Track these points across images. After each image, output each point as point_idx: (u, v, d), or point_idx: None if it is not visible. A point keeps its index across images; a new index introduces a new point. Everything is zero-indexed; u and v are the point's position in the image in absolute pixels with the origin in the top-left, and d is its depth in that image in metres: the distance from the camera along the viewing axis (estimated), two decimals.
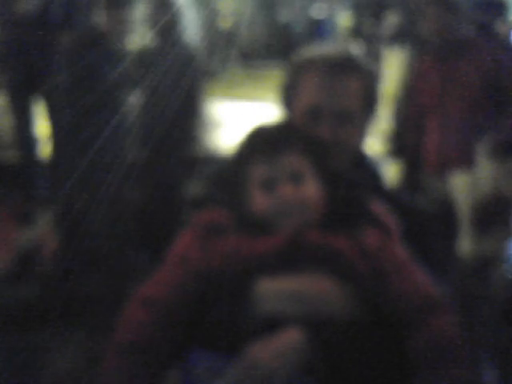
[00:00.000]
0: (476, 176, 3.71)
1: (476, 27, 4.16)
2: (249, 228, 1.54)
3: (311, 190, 1.58)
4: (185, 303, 1.50)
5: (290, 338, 1.42)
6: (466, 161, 3.91)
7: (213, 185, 1.74)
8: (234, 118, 4.75)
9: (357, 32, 8.78)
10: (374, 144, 3.68)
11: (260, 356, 1.40)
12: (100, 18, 4.29)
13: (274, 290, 1.47)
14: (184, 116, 4.13)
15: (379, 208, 1.63)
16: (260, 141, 1.61)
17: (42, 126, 5.13)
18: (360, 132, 1.76)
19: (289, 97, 1.79)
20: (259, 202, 1.57)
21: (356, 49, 1.80)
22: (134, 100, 3.87)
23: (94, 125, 2.32)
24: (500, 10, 4.36)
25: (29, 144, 4.98)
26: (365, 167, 1.80)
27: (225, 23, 14.83)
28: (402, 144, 4.16)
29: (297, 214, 1.55)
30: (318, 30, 10.84)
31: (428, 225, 1.77)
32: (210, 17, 14.64)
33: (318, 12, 11.18)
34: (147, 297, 1.52)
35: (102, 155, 2.33)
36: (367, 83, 1.75)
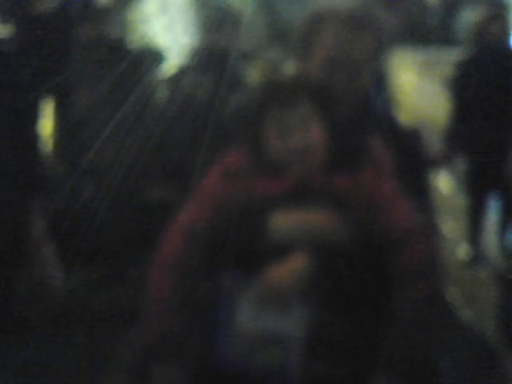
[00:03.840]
0: None
1: None
2: (265, 170, 1.78)
3: (318, 136, 1.78)
4: (212, 232, 1.77)
5: (298, 261, 1.72)
6: None
7: (235, 125, 1.97)
8: None
9: None
10: None
11: (274, 276, 1.70)
12: None
13: (284, 223, 1.73)
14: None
15: (377, 144, 1.83)
16: (275, 90, 1.80)
17: (45, 125, 5.12)
18: (369, 79, 1.93)
19: (305, 48, 1.91)
20: (273, 146, 1.77)
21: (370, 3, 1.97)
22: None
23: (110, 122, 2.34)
24: None
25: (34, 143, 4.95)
26: (373, 106, 1.99)
27: None
28: None
29: (304, 159, 1.77)
30: None
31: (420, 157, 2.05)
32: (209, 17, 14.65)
33: None
34: (182, 225, 1.81)
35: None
36: (378, 36, 1.90)
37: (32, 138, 4.64)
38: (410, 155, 1.93)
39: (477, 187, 4.42)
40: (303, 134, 1.75)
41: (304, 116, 1.76)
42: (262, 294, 1.70)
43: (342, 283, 1.70)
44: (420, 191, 1.91)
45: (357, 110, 1.90)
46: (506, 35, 4.30)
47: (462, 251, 4.92)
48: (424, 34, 13.04)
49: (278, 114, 1.76)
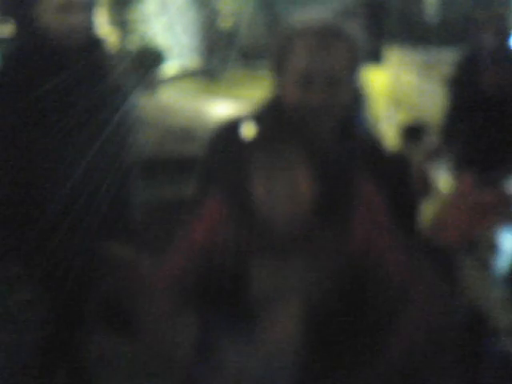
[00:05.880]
0: None
1: None
2: (246, 218, 1.69)
3: (305, 185, 1.68)
4: (196, 281, 1.71)
5: (288, 312, 1.66)
6: None
7: (210, 176, 1.84)
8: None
9: None
10: None
11: (261, 328, 1.64)
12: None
13: (268, 275, 1.68)
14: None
15: (367, 185, 1.74)
16: (258, 136, 1.72)
17: None
18: (348, 95, 1.81)
19: (279, 65, 1.82)
20: (258, 195, 1.67)
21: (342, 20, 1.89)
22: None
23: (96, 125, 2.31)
24: None
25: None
26: (354, 128, 1.88)
27: (225, 23, 14.87)
28: None
29: (290, 209, 1.67)
30: None
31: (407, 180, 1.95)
32: (209, 17, 14.69)
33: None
34: (166, 275, 1.73)
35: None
36: (353, 48, 1.80)
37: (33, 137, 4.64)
38: (398, 188, 1.87)
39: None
40: (289, 184, 1.68)
41: (289, 164, 1.69)
42: (249, 342, 1.67)
43: (328, 335, 1.66)
44: (410, 230, 1.85)
45: (337, 133, 1.82)
46: (504, 35, 4.30)
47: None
48: (424, 34, 13.08)
49: (263, 162, 1.69)
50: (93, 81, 2.32)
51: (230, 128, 1.88)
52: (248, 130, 1.82)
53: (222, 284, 1.67)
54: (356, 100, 1.96)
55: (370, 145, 1.91)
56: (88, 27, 2.34)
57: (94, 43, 2.38)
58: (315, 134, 1.77)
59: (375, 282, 1.67)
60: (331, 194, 1.70)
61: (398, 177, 1.88)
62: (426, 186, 3.41)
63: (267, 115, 1.82)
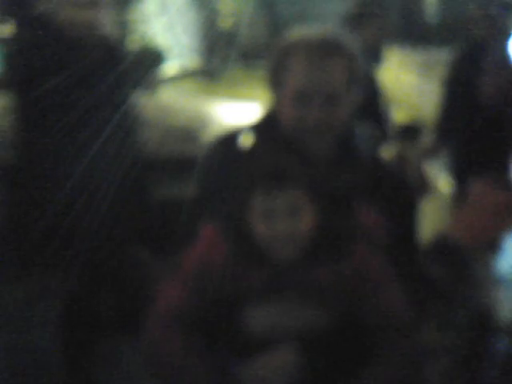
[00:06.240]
0: None
1: None
2: (246, 255, 1.64)
3: (306, 222, 1.64)
4: (193, 316, 1.67)
5: (281, 355, 1.62)
6: None
7: (205, 199, 1.79)
8: (234, 118, 4.76)
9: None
10: None
11: (259, 369, 1.62)
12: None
13: (265, 313, 1.63)
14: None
15: (368, 217, 1.69)
16: (260, 173, 1.65)
17: None
18: (347, 112, 1.76)
19: (275, 81, 1.77)
20: (257, 230, 1.63)
21: (340, 31, 1.83)
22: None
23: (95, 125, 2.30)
24: None
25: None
26: (353, 148, 1.81)
27: (225, 23, 14.86)
28: None
29: (290, 246, 1.63)
30: None
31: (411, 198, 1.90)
32: (209, 17, 14.68)
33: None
34: (162, 310, 1.68)
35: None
36: (351, 64, 1.74)
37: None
38: (402, 216, 1.81)
39: (463, 178, 4.41)
40: (290, 221, 1.63)
41: (292, 202, 1.63)
42: (245, 377, 1.63)
43: (326, 374, 1.63)
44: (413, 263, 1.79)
45: (337, 152, 1.76)
46: (498, 35, 4.28)
47: None
48: (424, 34, 13.07)
49: (265, 198, 1.63)
50: (101, 77, 2.32)
51: (227, 141, 1.84)
52: (245, 142, 1.78)
53: (216, 318, 1.63)
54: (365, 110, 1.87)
55: (372, 163, 1.83)
56: (101, 24, 2.35)
57: (105, 40, 2.39)
58: (312, 153, 1.72)
59: (372, 319, 1.64)
60: (332, 226, 1.66)
61: (400, 202, 1.81)
62: (424, 185, 3.40)
63: (264, 131, 1.78)
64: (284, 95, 1.73)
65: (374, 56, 3.40)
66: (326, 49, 1.72)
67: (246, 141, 1.79)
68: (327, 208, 1.66)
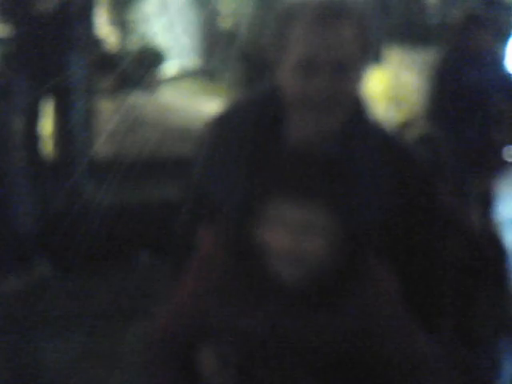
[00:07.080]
0: None
1: None
2: (245, 270, 1.50)
3: (319, 243, 1.49)
4: (183, 338, 1.59)
5: (284, 374, 1.49)
6: None
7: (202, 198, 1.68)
8: None
9: None
10: None
11: None
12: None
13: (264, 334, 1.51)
14: None
15: (378, 265, 1.56)
16: (275, 179, 1.49)
17: (46, 125, 5.11)
18: (356, 81, 1.57)
19: (277, 51, 1.57)
20: (262, 241, 1.48)
21: None
22: None
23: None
24: None
25: (34, 143, 4.95)
26: (365, 120, 1.63)
27: (225, 23, 14.84)
28: None
29: (298, 267, 1.49)
30: None
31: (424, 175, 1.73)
32: (209, 17, 14.66)
33: None
34: (163, 331, 1.62)
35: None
36: (361, 27, 1.54)
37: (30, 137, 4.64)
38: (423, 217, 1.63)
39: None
40: (302, 237, 1.47)
41: (302, 221, 1.46)
42: None
43: None
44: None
45: (350, 129, 1.55)
46: (486, 40, 4.25)
47: None
48: (424, 34, 13.05)
49: (278, 207, 1.45)
50: None
51: (225, 120, 1.71)
52: (244, 123, 1.62)
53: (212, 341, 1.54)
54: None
55: (387, 139, 1.63)
56: None
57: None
58: (319, 136, 1.53)
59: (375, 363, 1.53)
60: (340, 268, 1.50)
61: (418, 188, 1.64)
62: None
63: (264, 107, 1.59)
64: (286, 65, 1.54)
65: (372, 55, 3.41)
66: (333, 11, 1.51)
67: (245, 121, 1.61)
68: (344, 235, 1.49)
